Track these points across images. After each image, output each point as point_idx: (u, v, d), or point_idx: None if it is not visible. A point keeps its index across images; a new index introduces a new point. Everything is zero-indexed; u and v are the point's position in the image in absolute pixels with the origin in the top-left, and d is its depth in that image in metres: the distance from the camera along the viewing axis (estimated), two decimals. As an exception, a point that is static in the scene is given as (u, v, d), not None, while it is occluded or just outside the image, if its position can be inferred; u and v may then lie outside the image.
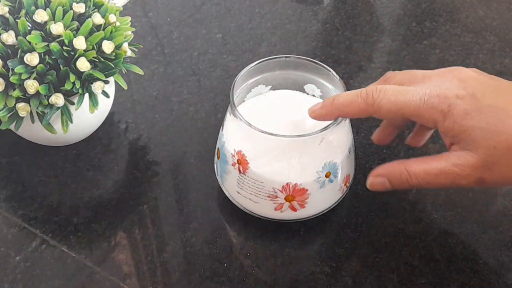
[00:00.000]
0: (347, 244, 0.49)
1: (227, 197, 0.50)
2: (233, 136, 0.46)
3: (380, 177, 0.43)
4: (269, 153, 0.45)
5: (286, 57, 0.49)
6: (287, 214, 0.47)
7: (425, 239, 0.49)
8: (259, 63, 0.49)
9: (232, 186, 0.48)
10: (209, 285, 0.46)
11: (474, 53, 0.67)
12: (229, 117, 0.47)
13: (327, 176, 0.45)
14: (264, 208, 0.47)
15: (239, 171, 0.46)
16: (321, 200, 0.47)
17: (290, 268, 0.48)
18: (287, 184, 0.45)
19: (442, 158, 0.41)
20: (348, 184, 0.49)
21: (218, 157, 0.49)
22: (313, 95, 0.51)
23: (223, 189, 0.50)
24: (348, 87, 0.63)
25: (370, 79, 0.63)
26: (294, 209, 0.47)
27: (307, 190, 0.45)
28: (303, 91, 0.51)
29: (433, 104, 0.39)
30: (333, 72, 0.48)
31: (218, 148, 0.49)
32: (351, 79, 0.63)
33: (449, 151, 0.41)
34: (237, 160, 0.46)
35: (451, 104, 0.39)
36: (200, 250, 0.49)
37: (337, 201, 0.49)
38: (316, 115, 0.44)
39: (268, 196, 0.46)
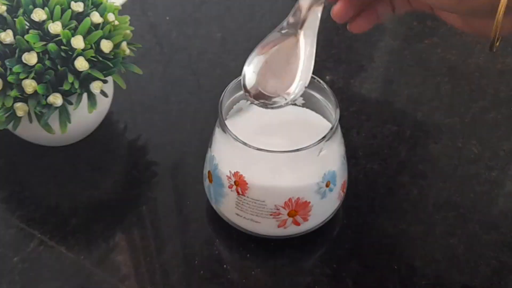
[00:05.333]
0: (348, 245, 0.49)
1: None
2: (226, 157, 0.45)
3: None
4: (268, 170, 0.44)
5: None
6: (290, 230, 0.46)
7: (426, 240, 0.49)
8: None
9: (230, 209, 0.47)
10: (209, 286, 0.46)
11: (476, 52, 0.66)
12: (219, 137, 0.45)
13: (327, 185, 0.45)
14: (267, 227, 0.46)
15: (238, 192, 0.45)
16: (323, 210, 0.47)
17: (290, 269, 0.47)
18: (289, 199, 0.44)
19: None
20: (345, 190, 0.49)
21: (211, 181, 0.47)
22: (295, 104, 0.50)
23: (219, 212, 0.49)
24: (349, 87, 0.62)
25: (371, 78, 0.63)
26: (297, 224, 0.46)
27: (309, 202, 0.45)
28: None
29: None
30: (318, 79, 0.47)
31: (209, 171, 0.47)
32: (352, 79, 0.63)
33: None
34: (235, 182, 0.44)
35: None
36: (199, 251, 0.48)
37: (336, 208, 0.48)
38: None
39: (271, 214, 0.45)
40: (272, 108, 0.41)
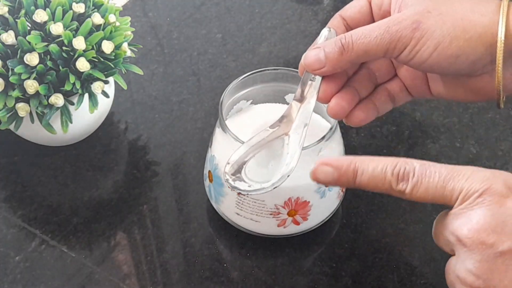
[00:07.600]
0: (347, 244, 0.49)
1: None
2: (226, 157, 0.44)
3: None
4: None
5: (274, 69, 0.48)
6: (290, 229, 0.47)
7: (425, 239, 0.49)
8: (244, 78, 0.47)
9: (230, 208, 0.47)
10: (209, 285, 0.46)
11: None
12: (219, 137, 0.46)
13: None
14: (267, 226, 0.47)
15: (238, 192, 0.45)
16: (322, 210, 0.47)
17: (290, 268, 0.48)
18: (289, 199, 0.44)
19: None
20: (344, 190, 0.49)
21: (211, 180, 0.48)
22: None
23: (219, 212, 0.49)
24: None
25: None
26: (297, 223, 0.46)
27: (309, 202, 0.45)
28: (284, 101, 0.50)
29: None
30: None
31: (209, 171, 0.48)
32: (351, 79, 0.63)
33: None
34: None
35: None
36: (200, 250, 0.49)
37: (336, 208, 0.49)
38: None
39: (271, 214, 0.45)
40: (247, 194, 0.41)
